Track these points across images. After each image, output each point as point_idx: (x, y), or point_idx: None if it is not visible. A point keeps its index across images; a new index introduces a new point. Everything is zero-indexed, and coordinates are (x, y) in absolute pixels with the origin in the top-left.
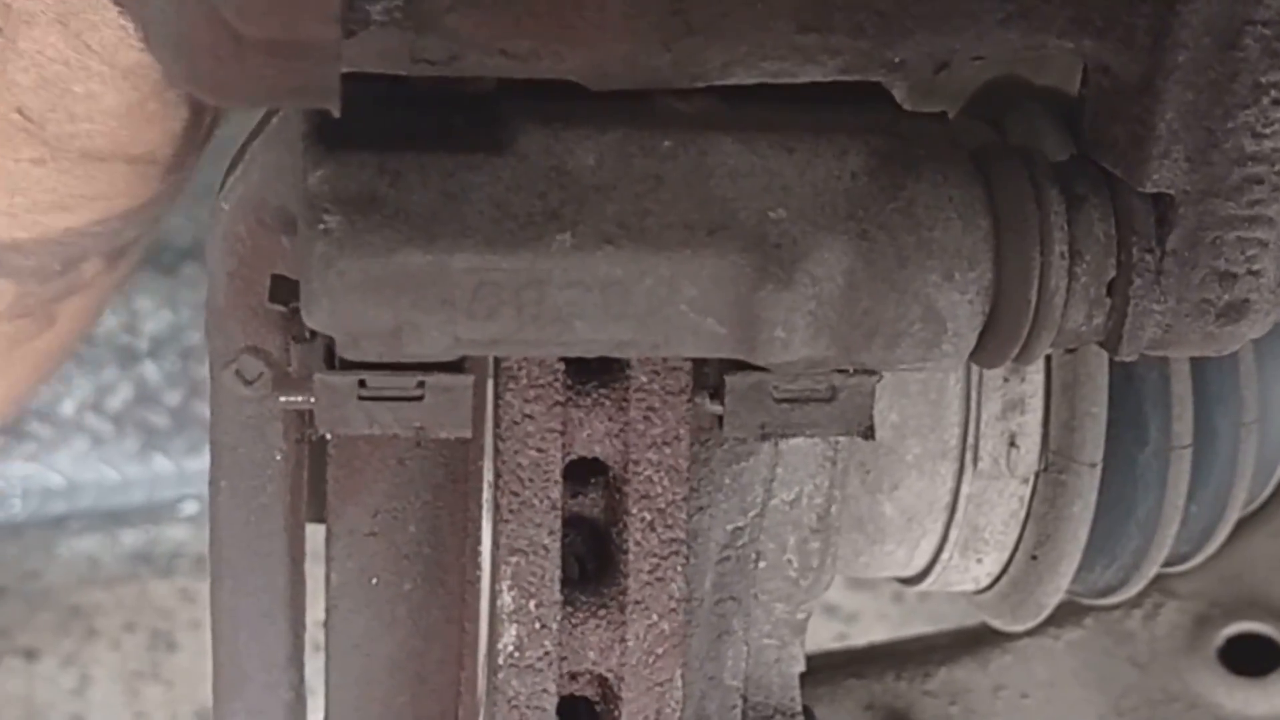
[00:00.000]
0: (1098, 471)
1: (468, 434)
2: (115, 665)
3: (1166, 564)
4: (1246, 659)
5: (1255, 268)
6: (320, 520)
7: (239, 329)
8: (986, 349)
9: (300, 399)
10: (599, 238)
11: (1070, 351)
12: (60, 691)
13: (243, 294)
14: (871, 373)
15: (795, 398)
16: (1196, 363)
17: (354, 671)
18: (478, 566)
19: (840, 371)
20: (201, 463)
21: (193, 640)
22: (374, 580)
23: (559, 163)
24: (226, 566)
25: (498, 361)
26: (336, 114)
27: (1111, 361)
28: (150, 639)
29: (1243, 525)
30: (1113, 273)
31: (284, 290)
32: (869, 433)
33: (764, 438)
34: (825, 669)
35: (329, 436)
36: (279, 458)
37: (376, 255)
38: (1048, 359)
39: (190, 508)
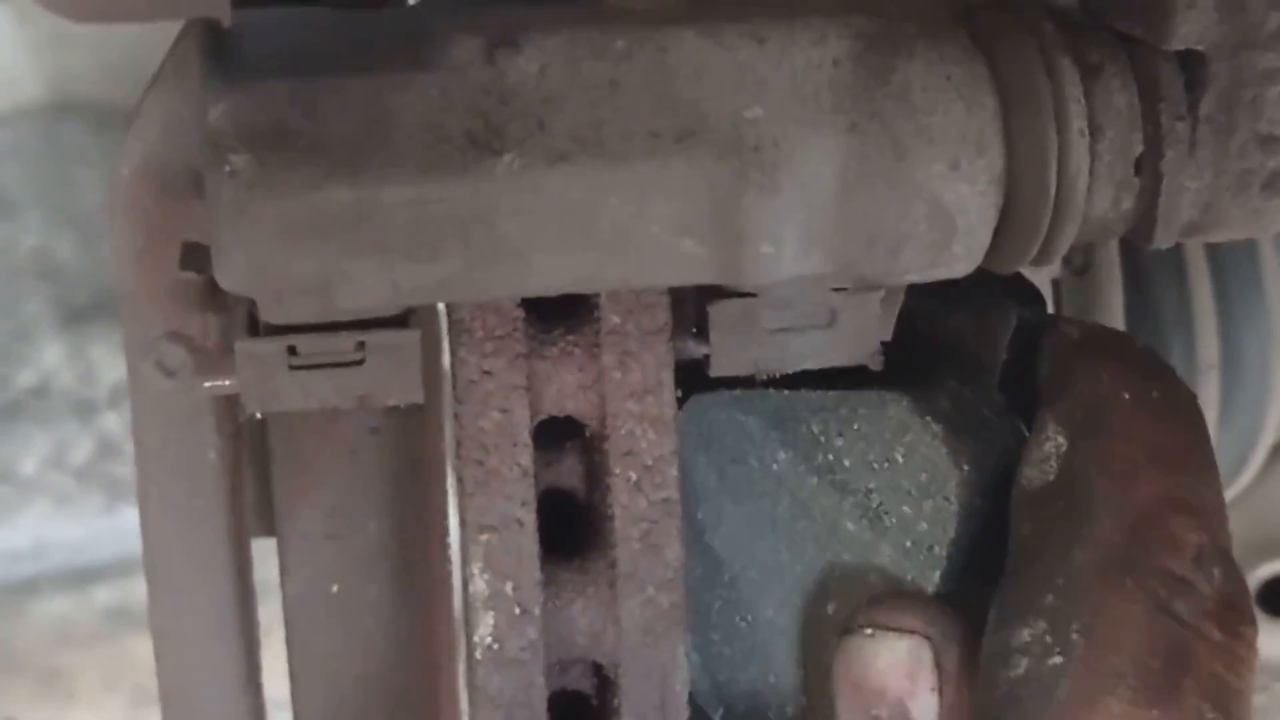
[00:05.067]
0: None
1: (419, 399)
2: None
3: None
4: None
5: None
6: (271, 534)
7: (155, 313)
8: (1003, 248)
9: (226, 381)
10: (551, 155)
11: (1080, 274)
12: None
13: (155, 272)
14: (875, 289)
15: (790, 326)
16: (1218, 279)
17: (321, 691)
18: (447, 560)
19: (838, 291)
20: None
21: None
22: (334, 588)
23: (498, 74)
24: (164, 584)
25: (448, 313)
26: (227, 21)
27: (1126, 284)
28: (132, 697)
29: (1269, 464)
30: (1140, 148)
31: (197, 257)
32: (876, 360)
33: (757, 373)
34: None
35: (270, 431)
36: (213, 455)
37: (294, 195)
38: (1056, 285)
39: None
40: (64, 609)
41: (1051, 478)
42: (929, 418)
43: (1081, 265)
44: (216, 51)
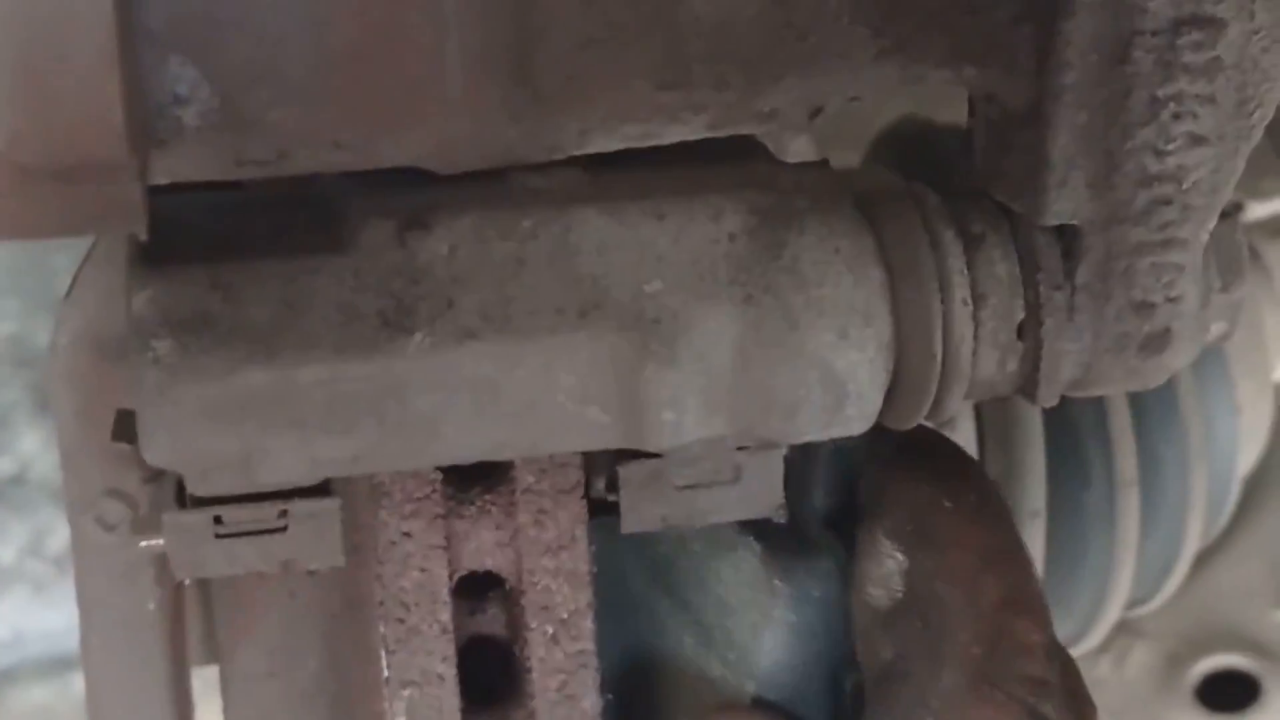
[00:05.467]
0: (1042, 520)
1: (340, 563)
2: None
3: (1126, 609)
4: (1223, 695)
5: (1173, 294)
6: (215, 662)
7: (95, 471)
8: (895, 409)
9: (161, 541)
10: (460, 333)
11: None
12: None
13: (93, 434)
14: (777, 446)
15: (697, 482)
16: (1135, 398)
17: None
18: (384, 699)
19: (741, 450)
20: None
21: None
22: None
23: (409, 256)
24: None
25: (369, 478)
26: (143, 237)
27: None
28: None
29: (1203, 557)
30: (1021, 314)
31: (129, 426)
32: (781, 512)
33: (666, 528)
34: None
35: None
36: (152, 607)
37: (214, 378)
38: (976, 408)
39: None
40: (44, 698)
41: (900, 595)
42: (752, 537)
43: None
44: (141, 239)
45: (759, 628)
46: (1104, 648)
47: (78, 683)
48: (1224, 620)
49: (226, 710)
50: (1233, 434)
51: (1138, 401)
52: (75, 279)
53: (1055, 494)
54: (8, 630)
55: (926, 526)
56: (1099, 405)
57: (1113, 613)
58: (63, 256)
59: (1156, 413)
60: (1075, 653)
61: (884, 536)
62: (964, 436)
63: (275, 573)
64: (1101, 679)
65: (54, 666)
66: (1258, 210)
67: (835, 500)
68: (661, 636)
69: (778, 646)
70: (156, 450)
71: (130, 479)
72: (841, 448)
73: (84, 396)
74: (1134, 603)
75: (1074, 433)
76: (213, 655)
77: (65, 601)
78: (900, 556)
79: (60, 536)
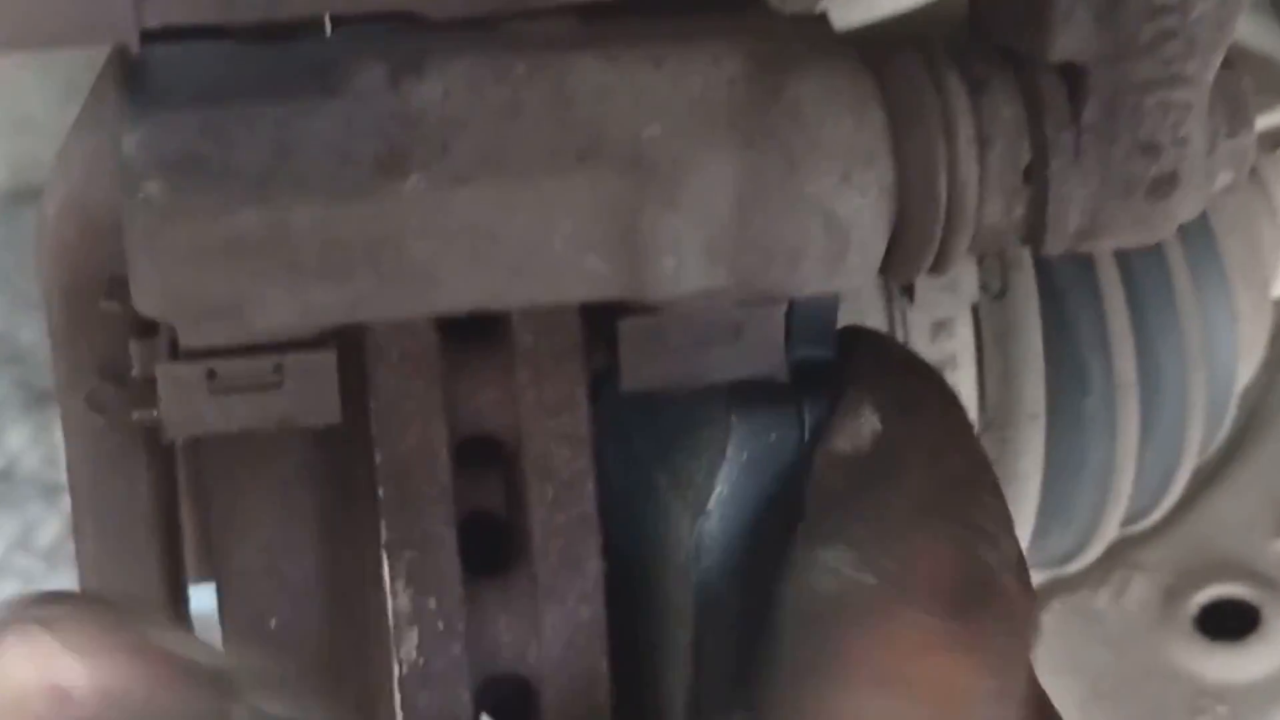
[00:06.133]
0: (1041, 423)
1: (337, 419)
2: None
3: (1126, 522)
4: (1222, 624)
5: (1180, 134)
6: (210, 577)
7: (84, 351)
8: (898, 257)
9: (155, 412)
10: (455, 177)
11: (997, 298)
12: None
13: (82, 310)
14: (777, 302)
15: (696, 340)
16: (1133, 298)
17: None
18: (381, 588)
19: (742, 306)
20: None
21: None
22: (272, 623)
23: (403, 100)
24: None
25: (364, 339)
26: (135, 47)
27: (1043, 307)
28: None
29: (1202, 486)
30: (1028, 157)
31: (121, 288)
32: (782, 371)
33: (667, 387)
34: None
35: (206, 474)
36: (145, 491)
37: (206, 219)
38: (975, 311)
39: None
40: None
41: (866, 447)
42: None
43: (999, 290)
44: (132, 86)
45: (715, 464)
46: (1103, 580)
47: None
48: (1223, 551)
49: (223, 611)
50: (1231, 342)
51: (1136, 305)
52: (61, 149)
53: (1053, 401)
54: None
55: (909, 405)
56: (1097, 308)
57: (1113, 523)
58: None
59: (1155, 317)
60: (1074, 568)
61: (868, 402)
62: (962, 340)
63: (270, 429)
64: (1101, 610)
65: None
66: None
67: (807, 353)
68: (663, 516)
69: (727, 482)
70: (147, 296)
71: (122, 359)
72: (820, 301)
73: (71, 271)
74: (1133, 516)
75: (1072, 337)
76: (207, 570)
77: None
78: (876, 420)
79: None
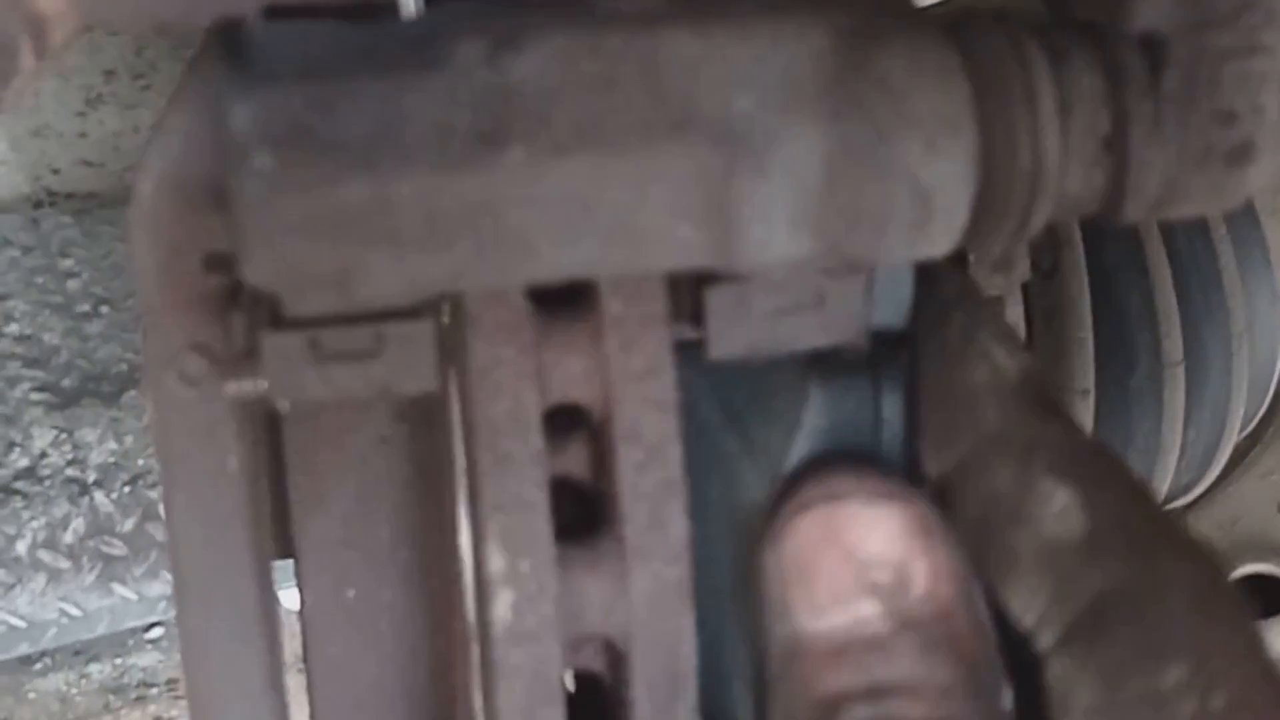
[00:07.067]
0: (1091, 399)
1: (434, 386)
2: None
3: (1169, 497)
4: (1253, 601)
5: (1258, 102)
6: (288, 555)
7: (177, 326)
8: (981, 226)
9: (250, 383)
10: (554, 149)
11: (1048, 277)
12: None
13: (176, 286)
14: (860, 270)
15: (781, 308)
16: (1179, 278)
17: (338, 695)
18: (459, 562)
19: (825, 274)
20: (162, 588)
21: None
22: (350, 593)
23: (501, 75)
24: (190, 587)
25: (457, 309)
26: (257, 22)
27: (1092, 285)
28: None
29: (1233, 466)
30: (1108, 126)
31: (220, 262)
32: (863, 340)
33: (751, 355)
34: None
35: (285, 445)
36: (234, 463)
37: (313, 191)
38: (1026, 289)
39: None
40: (60, 687)
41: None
42: None
43: (1049, 269)
44: (236, 61)
45: (791, 431)
46: None
47: (95, 672)
48: (1253, 529)
49: (301, 581)
50: (1274, 322)
51: (1183, 288)
52: (159, 124)
53: (1101, 377)
54: (23, 621)
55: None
56: (1145, 290)
57: (1157, 499)
58: (71, 259)
59: (1201, 298)
60: None
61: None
62: (1013, 317)
63: (371, 398)
64: None
65: (70, 657)
66: None
67: (882, 322)
68: (731, 480)
69: (806, 447)
70: (256, 266)
71: (214, 333)
72: (895, 273)
73: (167, 247)
74: (1175, 492)
75: (1120, 315)
76: (282, 549)
77: (80, 593)
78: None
79: (73, 530)
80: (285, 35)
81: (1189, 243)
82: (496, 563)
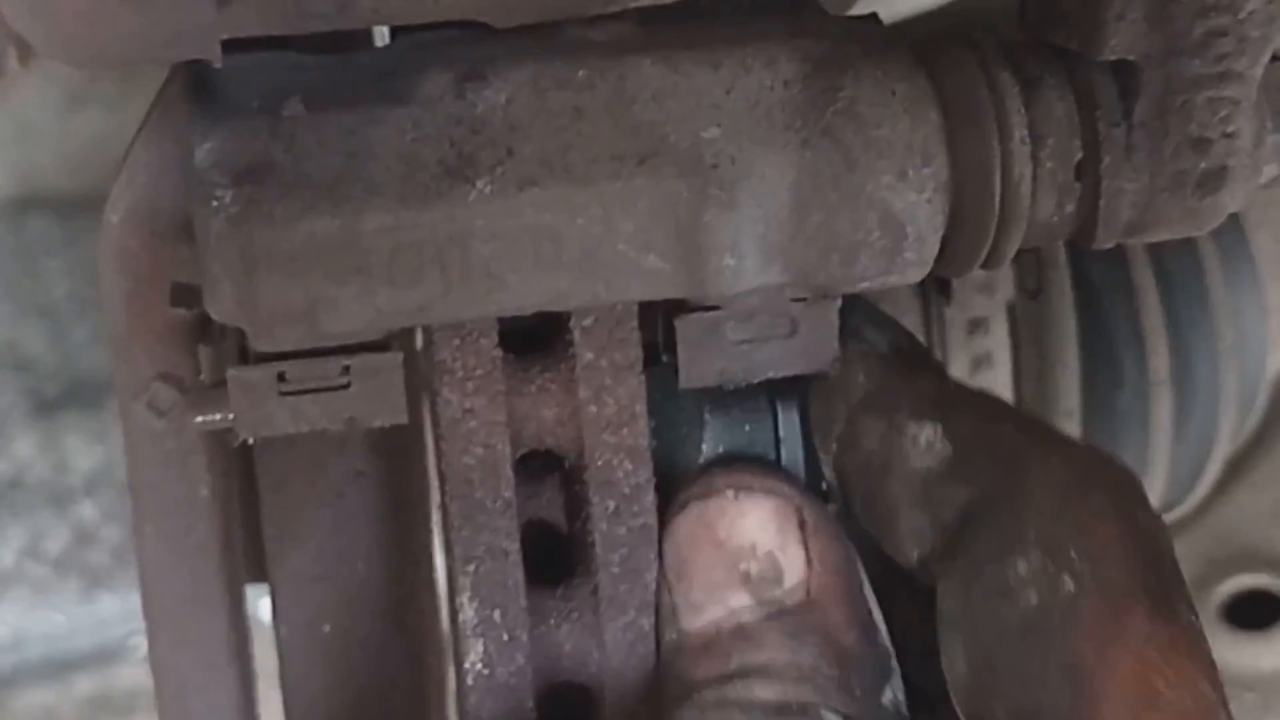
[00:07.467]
0: (1076, 420)
1: (403, 419)
2: None
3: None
4: (1249, 614)
5: (1230, 129)
6: (262, 579)
7: (145, 356)
8: (952, 253)
9: (217, 416)
10: (520, 181)
11: (1033, 297)
12: None
13: (144, 316)
14: (833, 298)
15: (754, 337)
16: (1166, 294)
17: None
18: (435, 595)
19: (797, 302)
20: None
21: None
22: (325, 628)
23: (468, 106)
24: (161, 617)
25: (429, 354)
26: (217, 63)
27: (1078, 305)
28: None
29: (1228, 478)
30: (1080, 154)
31: (186, 295)
32: (836, 366)
33: (724, 384)
34: None
35: (259, 477)
36: (205, 492)
37: (278, 225)
38: (1010, 310)
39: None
40: (45, 700)
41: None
42: None
43: (1034, 289)
44: (201, 95)
45: (693, 459)
46: None
47: (79, 684)
48: (1249, 541)
49: (276, 616)
50: (1262, 336)
51: (1169, 302)
52: (127, 155)
53: (1088, 396)
54: (8, 632)
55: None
56: (1131, 307)
57: None
58: (52, 262)
59: (1188, 313)
60: None
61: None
62: (998, 338)
63: (340, 430)
64: None
65: (54, 668)
66: None
67: None
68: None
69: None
70: (221, 302)
71: (182, 361)
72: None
73: (135, 278)
74: (1165, 507)
75: (1107, 333)
76: (257, 573)
77: (65, 603)
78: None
79: (58, 539)
80: (250, 67)
81: (1176, 260)
82: (469, 614)
